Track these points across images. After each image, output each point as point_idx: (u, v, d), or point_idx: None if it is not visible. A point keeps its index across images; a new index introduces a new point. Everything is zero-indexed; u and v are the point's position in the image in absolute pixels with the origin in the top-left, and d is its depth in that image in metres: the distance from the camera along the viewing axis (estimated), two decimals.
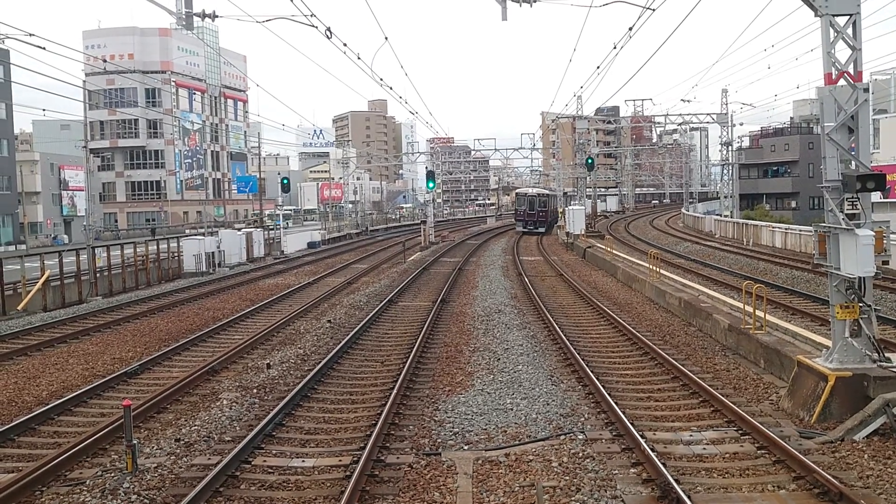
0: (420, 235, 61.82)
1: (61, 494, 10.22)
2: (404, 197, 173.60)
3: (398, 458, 11.30)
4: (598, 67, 32.87)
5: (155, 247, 42.14)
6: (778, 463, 10.53)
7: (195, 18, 22.33)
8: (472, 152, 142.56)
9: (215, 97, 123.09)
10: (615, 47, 26.55)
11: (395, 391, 14.40)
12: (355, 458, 11.05)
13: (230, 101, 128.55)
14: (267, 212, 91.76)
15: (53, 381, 17.27)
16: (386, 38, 29.05)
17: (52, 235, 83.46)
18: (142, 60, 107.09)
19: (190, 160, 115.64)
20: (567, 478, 10.17)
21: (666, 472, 9.84)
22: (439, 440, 12.10)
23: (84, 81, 67.15)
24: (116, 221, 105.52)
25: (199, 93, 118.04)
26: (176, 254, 44.33)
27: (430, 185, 66.48)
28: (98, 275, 35.60)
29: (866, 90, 12.97)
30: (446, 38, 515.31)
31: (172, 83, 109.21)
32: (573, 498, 9.48)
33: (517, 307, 25.67)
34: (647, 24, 20.37)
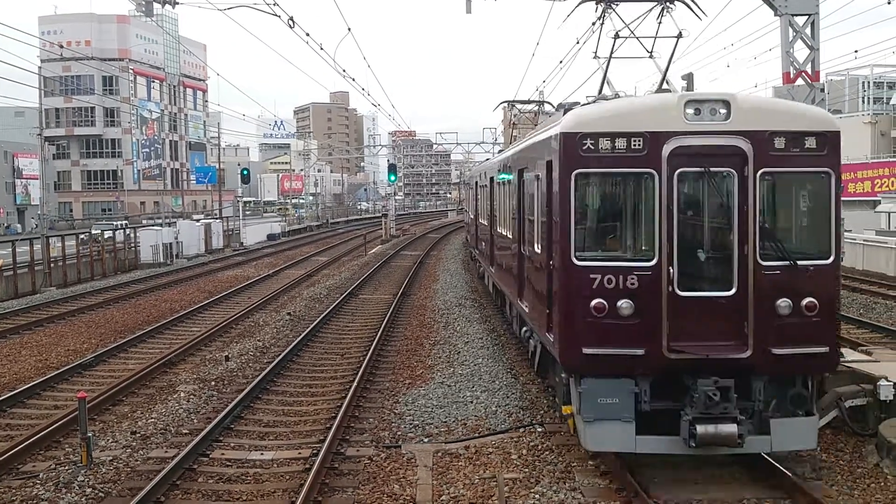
0: (381, 228, 61.65)
1: (13, 488, 10.03)
2: (365, 190, 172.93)
3: (358, 450, 11.29)
4: (560, 62, 32.88)
5: (111, 237, 41.50)
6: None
7: (154, 5, 21.97)
8: (434, 146, 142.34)
9: (174, 86, 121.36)
10: (578, 42, 26.57)
11: (355, 384, 14.37)
12: (315, 451, 11.00)
13: (189, 91, 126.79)
14: (294, 200, 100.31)
15: (5, 372, 16.94)
16: (349, 29, 28.89)
17: (5, 224, 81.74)
18: (99, 47, 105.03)
19: (148, 150, 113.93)
20: (526, 470, 10.23)
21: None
22: (399, 433, 12.09)
23: (39, 68, 65.78)
24: (72, 211, 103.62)
25: (157, 81, 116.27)
26: (133, 244, 43.71)
27: (392, 178, 66.36)
28: (52, 265, 34.93)
29: (823, 90, 13.21)
30: (410, 30, 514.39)
31: (130, 71, 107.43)
32: (532, 490, 9.53)
33: (478, 300, 25.71)
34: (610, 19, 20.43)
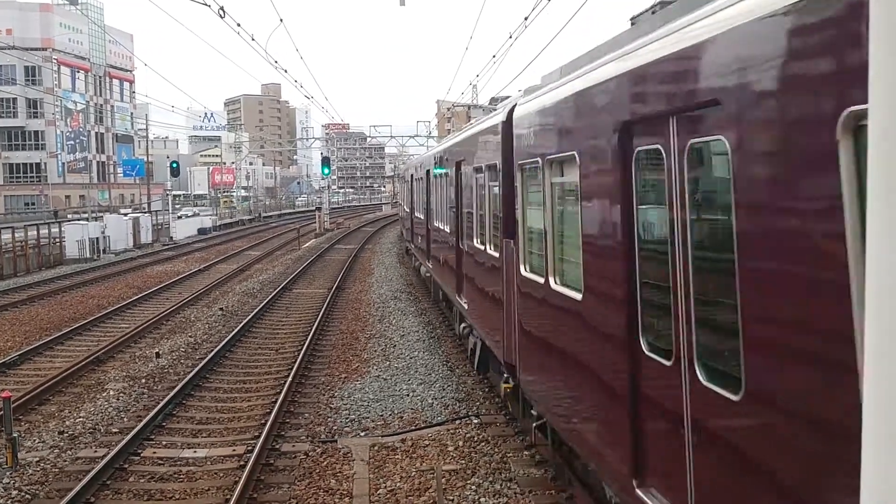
0: (315, 222, 61.22)
1: None
2: (298, 183, 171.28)
3: (294, 446, 11.22)
4: (493, 56, 33.14)
5: (35, 232, 40.25)
6: None
7: None
8: (368, 139, 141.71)
9: (100, 76, 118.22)
10: (511, 36, 26.84)
11: (290, 379, 14.25)
12: (249, 448, 10.90)
13: (116, 81, 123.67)
14: (238, 193, 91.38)
15: None
16: (281, 20, 28.60)
17: None
18: (21, 37, 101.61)
19: (73, 142, 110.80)
20: (463, 461, 10.30)
21: (558, 453, 10.06)
22: (335, 427, 12.06)
23: None
24: None
25: (82, 71, 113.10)
26: (58, 239, 42.50)
27: (326, 171, 65.87)
28: None
29: None
30: (344, 22, 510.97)
31: (54, 61, 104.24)
32: (469, 481, 9.60)
33: (413, 294, 25.75)
34: (543, 13, 20.66)
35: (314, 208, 76.40)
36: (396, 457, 10.64)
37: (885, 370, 1.21)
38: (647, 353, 5.25)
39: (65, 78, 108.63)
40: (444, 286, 17.91)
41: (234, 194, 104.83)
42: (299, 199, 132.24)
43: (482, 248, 11.89)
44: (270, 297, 24.74)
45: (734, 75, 3.91)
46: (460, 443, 11.04)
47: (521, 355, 9.17)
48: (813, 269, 3.35)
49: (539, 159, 7.92)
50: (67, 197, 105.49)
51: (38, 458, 10.75)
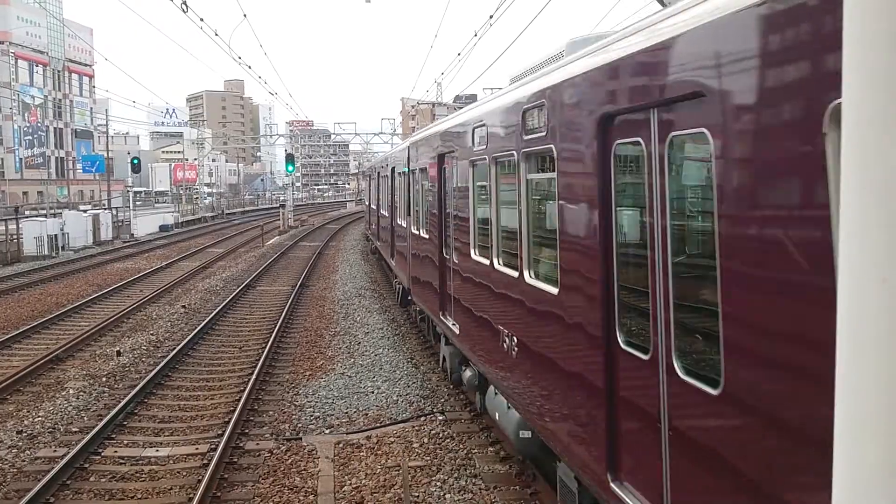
0: (279, 219, 60.85)
1: None
2: (262, 180, 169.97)
3: (258, 444, 11.15)
4: (458, 54, 33.17)
5: None
6: None
7: None
8: (333, 136, 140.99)
9: (59, 71, 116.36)
10: (476, 35, 26.88)
11: (253, 377, 14.16)
12: (213, 446, 10.81)
13: (75, 76, 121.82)
14: (209, 189, 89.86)
15: None
16: (245, 16, 28.37)
17: None
18: None
19: (30, 137, 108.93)
20: (428, 458, 10.32)
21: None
22: (300, 425, 12.00)
23: None
24: None
25: (40, 66, 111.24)
26: (15, 236, 41.72)
27: (290, 168, 65.46)
28: None
29: None
30: (309, 18, 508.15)
31: (11, 55, 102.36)
32: (434, 478, 9.62)
33: (377, 291, 25.70)
34: (508, 12, 20.73)
35: (278, 205, 75.91)
36: (361, 454, 10.62)
37: (856, 365, 1.21)
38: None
39: (22, 72, 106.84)
40: None
41: (200, 190, 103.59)
42: (247, 196, 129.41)
43: None
44: (234, 294, 24.55)
45: None
46: (425, 439, 11.05)
47: None
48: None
49: None
50: (25, 193, 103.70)
51: None
